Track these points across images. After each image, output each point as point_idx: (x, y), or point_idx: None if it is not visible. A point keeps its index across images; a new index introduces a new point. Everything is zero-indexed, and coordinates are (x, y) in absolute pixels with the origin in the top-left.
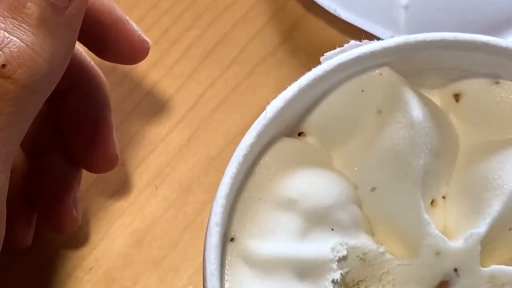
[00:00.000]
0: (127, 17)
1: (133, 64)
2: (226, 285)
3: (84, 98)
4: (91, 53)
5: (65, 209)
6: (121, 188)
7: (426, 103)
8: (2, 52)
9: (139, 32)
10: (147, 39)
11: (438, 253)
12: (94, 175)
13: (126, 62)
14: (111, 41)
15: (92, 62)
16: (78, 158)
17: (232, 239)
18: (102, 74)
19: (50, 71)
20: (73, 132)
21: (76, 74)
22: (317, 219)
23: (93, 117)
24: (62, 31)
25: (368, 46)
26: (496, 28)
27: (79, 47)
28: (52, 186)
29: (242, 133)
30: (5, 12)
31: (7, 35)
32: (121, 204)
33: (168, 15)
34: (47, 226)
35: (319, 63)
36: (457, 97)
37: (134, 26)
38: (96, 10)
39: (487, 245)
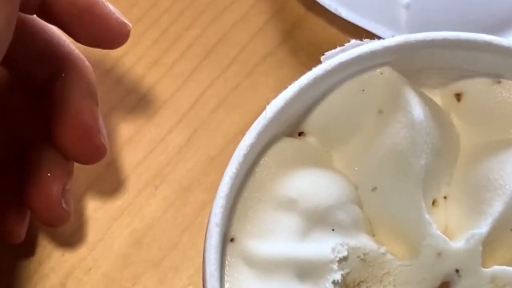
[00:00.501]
0: (104, 0)
1: (114, 49)
2: (226, 285)
3: (67, 86)
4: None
5: (53, 201)
6: (121, 188)
7: (427, 102)
8: None
9: (116, 15)
10: (126, 21)
11: (439, 254)
12: (93, 175)
13: (105, 46)
14: (86, 24)
15: (77, 50)
16: (64, 149)
17: (232, 240)
18: (87, 63)
19: None
20: (58, 122)
21: (59, 62)
22: (318, 219)
23: (77, 106)
24: None
25: (369, 46)
26: (497, 28)
27: (62, 35)
28: (39, 178)
29: (242, 133)
30: None
31: None
32: (120, 204)
33: (168, 14)
34: (38, 220)
35: (319, 62)
36: (458, 96)
37: (111, 8)
38: None
39: (489, 245)
